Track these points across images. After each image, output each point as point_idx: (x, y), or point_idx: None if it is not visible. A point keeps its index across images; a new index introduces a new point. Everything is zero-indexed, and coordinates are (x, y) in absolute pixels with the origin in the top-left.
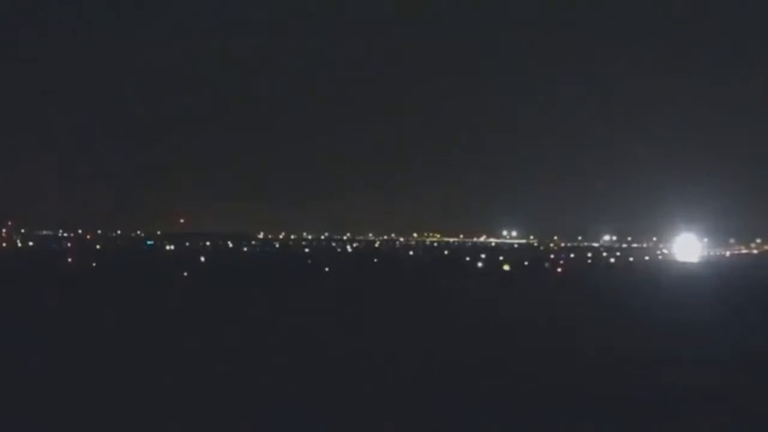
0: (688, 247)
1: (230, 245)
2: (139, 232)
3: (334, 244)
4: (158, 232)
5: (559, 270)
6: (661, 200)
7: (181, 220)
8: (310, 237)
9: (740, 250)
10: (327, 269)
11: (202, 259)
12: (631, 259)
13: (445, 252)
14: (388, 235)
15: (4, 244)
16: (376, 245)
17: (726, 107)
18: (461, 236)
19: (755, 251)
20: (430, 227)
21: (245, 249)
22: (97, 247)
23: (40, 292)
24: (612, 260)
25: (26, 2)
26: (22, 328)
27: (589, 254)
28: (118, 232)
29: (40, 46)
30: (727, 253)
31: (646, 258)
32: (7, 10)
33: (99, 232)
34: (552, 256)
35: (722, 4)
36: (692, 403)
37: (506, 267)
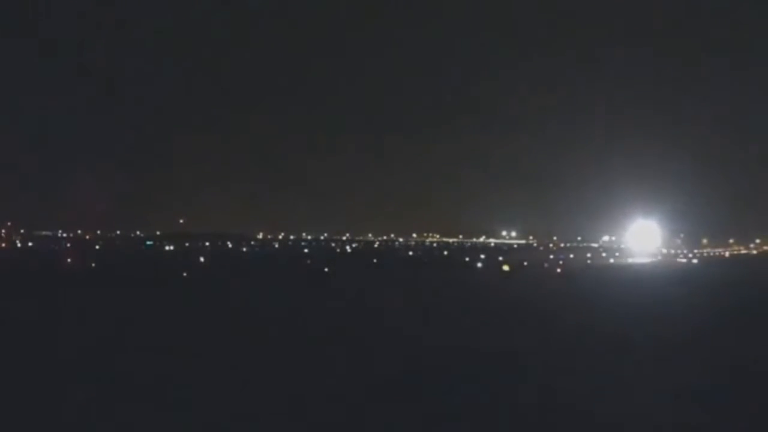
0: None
1: (230, 245)
2: (138, 233)
3: (333, 245)
4: (158, 233)
5: (558, 270)
6: (660, 201)
7: (181, 221)
8: (309, 237)
9: (739, 250)
10: (326, 269)
11: (202, 259)
12: (629, 259)
13: (445, 252)
14: (388, 235)
15: (3, 245)
16: (375, 245)
17: (726, 108)
18: (460, 236)
19: (754, 252)
20: (429, 227)
21: (244, 249)
22: (96, 247)
23: (38, 292)
24: (611, 260)
25: (26, 2)
26: (18, 329)
27: (589, 255)
28: (118, 232)
29: (40, 47)
30: (726, 254)
31: (644, 259)
32: (7, 13)
33: (98, 232)
34: (551, 256)
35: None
36: None
37: (506, 267)
